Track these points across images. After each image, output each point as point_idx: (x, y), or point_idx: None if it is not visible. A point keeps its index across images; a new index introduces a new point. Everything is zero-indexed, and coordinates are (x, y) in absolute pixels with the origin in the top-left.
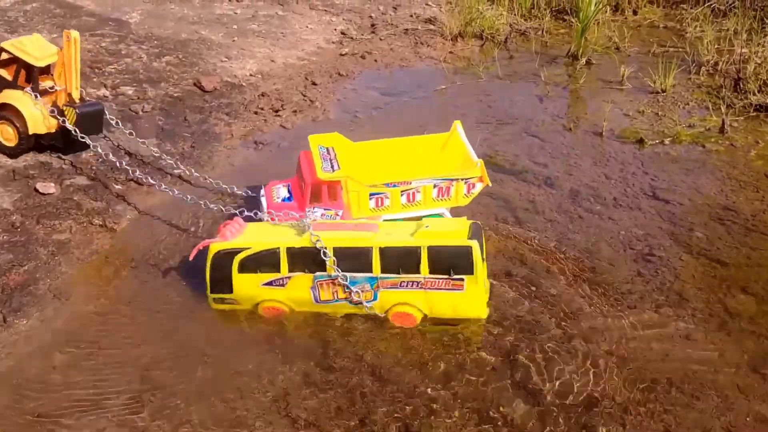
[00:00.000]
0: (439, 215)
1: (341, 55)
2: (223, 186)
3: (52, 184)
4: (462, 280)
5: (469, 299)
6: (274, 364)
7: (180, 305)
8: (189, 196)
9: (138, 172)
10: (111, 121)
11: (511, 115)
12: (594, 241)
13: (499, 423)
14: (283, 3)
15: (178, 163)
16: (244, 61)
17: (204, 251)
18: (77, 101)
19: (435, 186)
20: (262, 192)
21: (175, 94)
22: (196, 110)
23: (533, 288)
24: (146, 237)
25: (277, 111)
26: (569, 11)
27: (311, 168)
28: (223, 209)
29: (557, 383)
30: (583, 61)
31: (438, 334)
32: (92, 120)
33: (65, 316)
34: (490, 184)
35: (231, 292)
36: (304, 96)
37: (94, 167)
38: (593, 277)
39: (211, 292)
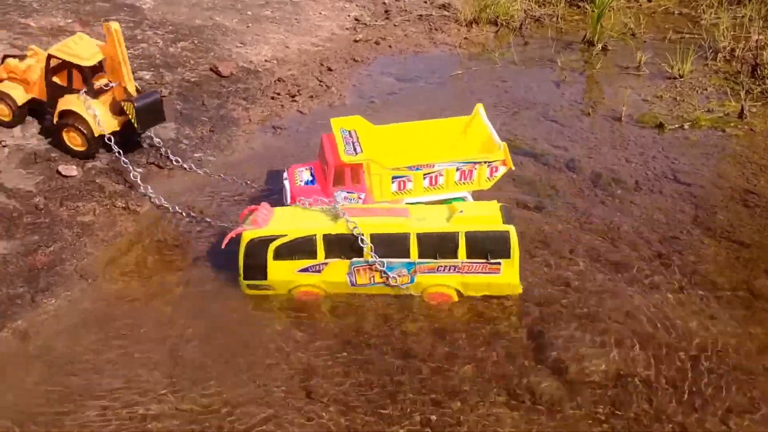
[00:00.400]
0: (462, 199)
1: (355, 41)
2: (237, 180)
3: (74, 167)
4: (499, 263)
5: (505, 281)
6: (303, 342)
7: (206, 285)
8: (218, 175)
9: (158, 155)
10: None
11: (528, 100)
12: (616, 223)
13: (528, 399)
14: None
15: (198, 146)
16: (259, 47)
17: (236, 239)
18: (134, 94)
19: (458, 169)
20: (285, 175)
21: (192, 79)
22: (213, 95)
23: (556, 269)
24: (169, 219)
25: (293, 96)
26: None
27: (334, 151)
28: (249, 183)
29: (584, 361)
30: (599, 47)
31: (467, 314)
32: (151, 111)
33: (93, 296)
34: (513, 168)
35: (265, 278)
36: (320, 81)
37: (114, 150)
38: (616, 258)
39: (245, 279)
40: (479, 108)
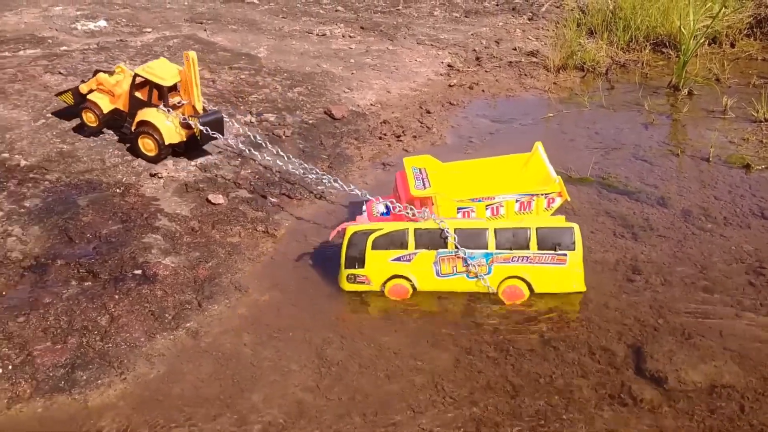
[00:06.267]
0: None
1: (450, 86)
2: (357, 191)
3: (221, 196)
4: (565, 255)
5: (571, 273)
6: (426, 348)
7: (340, 297)
8: (340, 205)
9: (288, 187)
10: (260, 143)
11: (618, 141)
12: (707, 254)
13: (632, 405)
14: (392, 38)
15: (320, 180)
16: (364, 92)
17: (341, 232)
18: (200, 111)
19: (517, 201)
20: (364, 208)
21: (310, 121)
22: (329, 135)
23: (652, 293)
24: (302, 242)
25: (398, 136)
26: (667, 44)
27: (406, 186)
28: (367, 195)
29: (680, 372)
30: (685, 91)
31: (567, 329)
32: (213, 126)
33: (246, 304)
34: (569, 199)
35: (363, 267)
36: (421, 123)
37: (252, 182)
38: (708, 284)
39: (346, 268)
40: (538, 145)
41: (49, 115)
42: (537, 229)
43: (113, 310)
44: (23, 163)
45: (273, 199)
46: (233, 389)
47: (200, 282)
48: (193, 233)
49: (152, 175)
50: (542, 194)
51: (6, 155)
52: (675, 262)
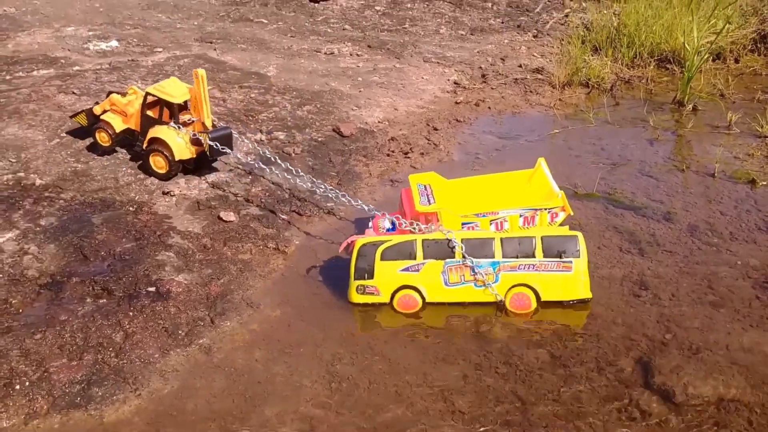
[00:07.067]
0: None
1: (456, 103)
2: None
3: (232, 213)
4: (570, 262)
5: (576, 280)
6: (436, 363)
7: (350, 312)
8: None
9: (298, 204)
10: (271, 158)
11: (624, 156)
12: (713, 269)
13: (640, 419)
14: (399, 56)
15: (330, 197)
16: (371, 110)
17: (350, 245)
18: (210, 128)
19: (521, 216)
20: (370, 224)
21: (319, 139)
22: (338, 153)
23: (659, 307)
24: (312, 258)
25: (406, 153)
26: (671, 60)
27: (411, 202)
28: (374, 210)
29: (688, 387)
30: (690, 107)
31: (575, 344)
32: (223, 141)
33: (258, 320)
34: (572, 213)
35: (372, 278)
36: (428, 140)
37: (263, 200)
38: (715, 300)
39: (356, 279)
40: (541, 161)
41: (64, 134)
42: (542, 237)
43: (128, 326)
44: (39, 182)
45: (283, 216)
46: (246, 405)
47: (213, 298)
48: (205, 250)
49: (165, 193)
50: (545, 209)
51: (22, 174)
52: (682, 277)
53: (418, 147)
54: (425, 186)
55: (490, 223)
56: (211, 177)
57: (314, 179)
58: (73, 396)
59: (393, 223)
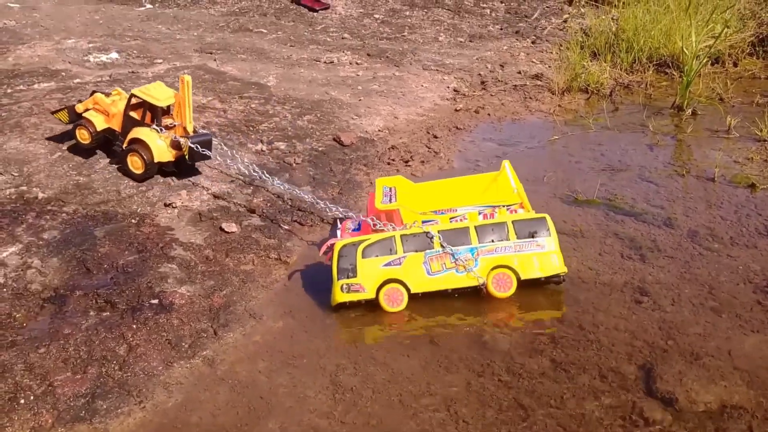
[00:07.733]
0: None
1: (456, 110)
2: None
3: (234, 224)
4: (543, 240)
5: (550, 256)
6: (438, 372)
7: (352, 322)
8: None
9: (300, 214)
10: (264, 172)
11: (624, 162)
12: (714, 275)
13: (643, 425)
14: (398, 65)
15: (330, 206)
16: (371, 118)
17: (330, 248)
18: (191, 133)
19: (480, 213)
20: (339, 225)
21: (320, 149)
22: (338, 162)
23: (661, 313)
24: (315, 268)
25: (407, 161)
26: (670, 65)
27: (372, 202)
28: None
29: (690, 392)
30: (689, 111)
31: (577, 351)
32: (203, 145)
33: (261, 331)
34: (531, 210)
35: (356, 275)
36: (429, 148)
37: (264, 210)
38: (716, 305)
39: (339, 279)
40: (505, 163)
41: (65, 148)
42: (513, 221)
43: (131, 339)
44: (41, 195)
45: (285, 226)
46: (250, 417)
47: (215, 310)
48: (207, 262)
49: (167, 205)
50: (503, 206)
51: (24, 188)
52: (683, 283)
53: (419, 155)
54: (391, 188)
55: (450, 221)
56: (213, 188)
57: (284, 184)
58: (78, 409)
59: (359, 224)
